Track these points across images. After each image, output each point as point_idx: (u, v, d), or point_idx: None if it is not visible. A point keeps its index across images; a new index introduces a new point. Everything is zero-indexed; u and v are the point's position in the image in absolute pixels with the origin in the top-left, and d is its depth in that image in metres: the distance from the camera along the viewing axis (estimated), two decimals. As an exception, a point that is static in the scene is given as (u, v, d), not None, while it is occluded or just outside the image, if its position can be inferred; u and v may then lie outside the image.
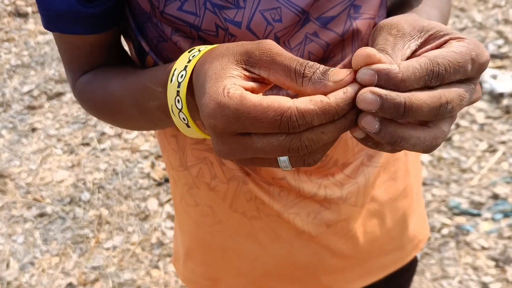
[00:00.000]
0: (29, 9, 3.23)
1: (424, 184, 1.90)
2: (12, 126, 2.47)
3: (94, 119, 2.41)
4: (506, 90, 2.15)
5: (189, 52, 0.45)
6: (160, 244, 1.85)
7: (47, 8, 0.55)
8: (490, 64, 2.32)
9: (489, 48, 2.39)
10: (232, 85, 0.37)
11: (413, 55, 0.39)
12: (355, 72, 0.36)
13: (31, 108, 2.56)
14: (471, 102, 0.40)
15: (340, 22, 0.57)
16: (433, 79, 0.36)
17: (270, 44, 0.39)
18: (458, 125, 2.09)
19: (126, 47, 0.69)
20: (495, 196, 1.81)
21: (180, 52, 0.57)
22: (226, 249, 0.76)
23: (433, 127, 0.38)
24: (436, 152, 2.00)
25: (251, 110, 0.35)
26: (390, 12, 0.66)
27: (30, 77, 2.76)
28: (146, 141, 2.27)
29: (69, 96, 2.59)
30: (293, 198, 0.69)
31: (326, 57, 0.59)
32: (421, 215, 0.84)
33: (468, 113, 2.13)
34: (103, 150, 2.26)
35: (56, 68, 2.78)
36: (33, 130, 2.43)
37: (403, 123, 0.37)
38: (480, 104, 2.15)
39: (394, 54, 0.38)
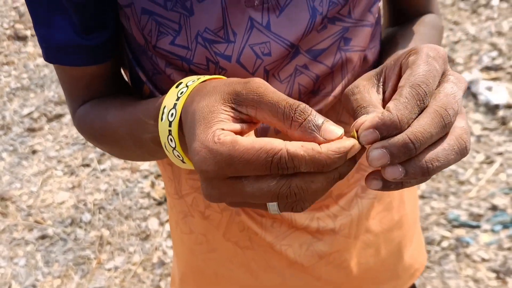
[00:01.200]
0: (28, 32, 3.27)
1: (422, 197, 1.91)
2: (13, 148, 2.48)
3: (94, 140, 2.43)
4: (501, 101, 2.17)
5: (176, 87, 0.45)
6: (162, 263, 1.85)
7: (48, 41, 0.57)
8: (485, 76, 2.34)
9: (483, 60, 2.42)
10: (221, 131, 0.37)
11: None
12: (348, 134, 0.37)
13: (31, 130, 2.57)
14: (463, 89, 0.40)
15: (330, 54, 0.58)
16: (425, 99, 0.37)
17: (257, 83, 0.39)
18: (455, 138, 2.11)
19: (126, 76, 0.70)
20: (494, 208, 1.82)
21: (173, 84, 0.59)
22: (219, 276, 0.76)
23: (449, 133, 0.38)
24: (433, 165, 2.02)
25: (244, 154, 0.35)
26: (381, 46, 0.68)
27: (30, 100, 2.78)
28: (145, 160, 2.29)
29: (69, 117, 2.61)
30: (285, 230, 0.70)
31: (316, 89, 0.60)
32: (417, 244, 0.84)
33: (464, 125, 2.15)
34: (103, 170, 2.28)
35: (56, 90, 2.81)
36: (34, 152, 2.44)
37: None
38: (476, 116, 2.17)
39: (373, 103, 0.39)
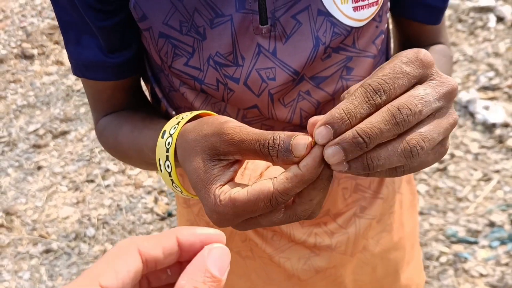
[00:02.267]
0: (34, 51, 3.33)
1: (421, 213, 1.94)
2: (18, 164, 2.52)
3: (98, 157, 2.47)
4: (498, 120, 2.22)
5: (162, 137, 0.50)
6: (164, 277, 1.87)
7: (77, 58, 0.63)
8: (482, 95, 2.39)
9: (480, 80, 2.47)
10: (220, 191, 0.42)
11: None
12: (312, 137, 0.39)
13: (36, 146, 2.62)
14: (447, 93, 0.40)
15: (332, 82, 0.61)
16: (374, 96, 0.38)
17: (230, 133, 0.42)
18: (453, 155, 2.14)
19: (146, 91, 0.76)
20: (492, 224, 1.85)
21: (187, 101, 0.64)
22: None
23: (401, 136, 0.38)
24: (432, 182, 2.05)
25: (245, 207, 0.40)
26: None
27: (36, 117, 2.83)
28: (149, 176, 2.32)
29: (74, 134, 2.66)
30: (285, 243, 0.72)
31: (318, 114, 0.63)
32: (416, 265, 0.86)
33: (462, 143, 2.19)
34: (107, 186, 2.31)
35: (61, 108, 2.86)
36: (39, 168, 2.48)
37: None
38: (474, 134, 2.21)
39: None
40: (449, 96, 0.40)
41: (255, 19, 0.56)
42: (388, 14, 0.66)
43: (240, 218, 0.42)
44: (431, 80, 0.40)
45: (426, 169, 2.10)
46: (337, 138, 0.38)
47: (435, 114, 0.39)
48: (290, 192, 0.39)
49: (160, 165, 0.49)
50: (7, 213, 2.23)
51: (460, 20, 2.93)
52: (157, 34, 0.58)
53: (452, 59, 0.72)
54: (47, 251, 2.05)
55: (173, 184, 0.49)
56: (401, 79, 0.38)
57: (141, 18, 0.58)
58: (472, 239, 1.81)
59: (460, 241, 1.82)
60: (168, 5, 0.56)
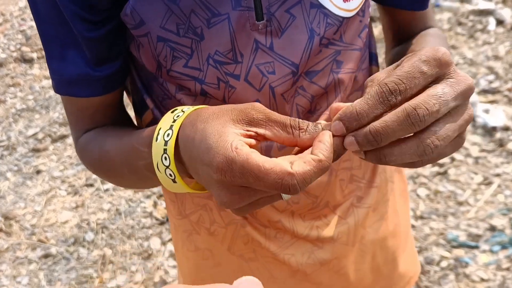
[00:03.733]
0: (34, 55, 3.33)
1: (421, 217, 1.94)
2: (17, 168, 2.52)
3: (97, 160, 2.47)
4: (498, 124, 2.21)
5: (172, 112, 0.49)
6: (163, 282, 1.87)
7: (60, 74, 0.61)
8: (482, 99, 2.39)
9: (480, 83, 2.47)
10: (238, 141, 0.41)
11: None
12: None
13: (35, 150, 2.61)
14: (464, 92, 0.41)
15: (324, 76, 0.63)
16: (390, 97, 0.40)
17: (261, 106, 0.44)
18: (453, 159, 2.14)
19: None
20: (492, 228, 1.84)
21: None
22: None
23: (417, 134, 0.41)
24: (432, 185, 2.04)
25: (255, 169, 0.39)
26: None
27: (35, 121, 2.82)
28: (148, 180, 2.31)
29: (73, 138, 2.66)
30: (288, 239, 0.73)
31: (313, 109, 0.64)
32: (410, 253, 0.88)
33: (463, 147, 2.18)
34: (106, 190, 2.30)
35: (60, 112, 2.85)
36: (38, 172, 2.48)
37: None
38: (474, 138, 2.20)
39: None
40: (466, 94, 0.41)
41: (251, 15, 0.57)
42: (371, 9, 0.68)
43: (243, 178, 0.40)
44: (448, 78, 0.41)
45: (426, 173, 2.10)
46: (355, 132, 0.41)
47: (451, 112, 0.41)
48: (308, 178, 0.39)
49: (158, 134, 0.48)
50: (6, 217, 2.23)
51: (459, 23, 2.93)
52: (156, 39, 0.58)
53: (446, 40, 0.74)
54: (46, 255, 2.04)
55: (163, 156, 0.47)
56: (418, 79, 0.40)
57: (138, 24, 0.57)
58: (473, 244, 1.80)
59: (461, 245, 1.81)
60: (164, 9, 0.56)
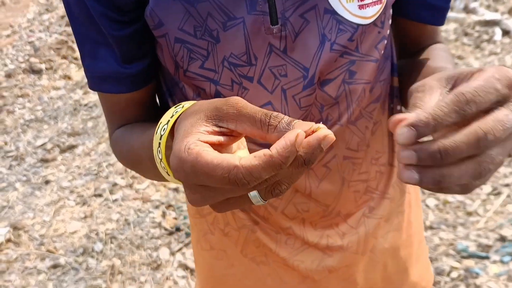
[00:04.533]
0: (42, 66, 3.36)
1: (431, 228, 1.93)
2: (26, 179, 2.53)
3: (106, 171, 2.47)
4: (506, 134, 2.21)
5: (175, 107, 0.49)
6: (172, 293, 1.86)
7: (92, 71, 0.65)
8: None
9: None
10: (193, 141, 0.40)
11: None
12: (314, 131, 0.38)
13: (44, 161, 2.62)
14: None
15: (335, 86, 0.63)
16: (466, 107, 0.39)
17: (236, 99, 0.42)
18: (461, 169, 2.14)
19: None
20: (502, 239, 1.83)
21: None
22: None
23: (475, 157, 0.39)
24: (441, 196, 2.04)
25: (204, 166, 0.38)
26: (403, 76, 0.72)
27: (44, 131, 2.84)
28: (157, 191, 2.32)
29: (81, 148, 2.67)
30: (298, 246, 0.73)
31: (325, 118, 0.65)
32: (423, 262, 0.87)
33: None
34: (115, 200, 2.31)
35: (69, 122, 2.87)
36: (47, 182, 2.49)
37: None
38: (482, 148, 2.20)
39: (425, 106, 0.42)
40: None
41: (266, 20, 0.58)
42: (390, 21, 0.68)
43: (196, 178, 0.39)
44: (510, 102, 0.40)
45: (435, 183, 2.09)
46: (418, 145, 0.39)
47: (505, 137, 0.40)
48: (256, 172, 0.37)
49: (158, 127, 0.48)
50: (15, 227, 2.23)
51: (466, 34, 2.94)
52: (173, 40, 0.60)
53: (451, 55, 0.75)
54: (55, 266, 2.04)
55: (158, 149, 0.48)
56: (492, 95, 0.39)
57: (157, 25, 0.59)
58: (483, 254, 1.79)
59: (471, 256, 1.80)
60: (182, 11, 0.58)
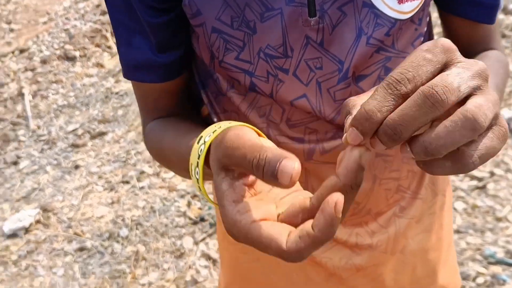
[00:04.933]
0: (76, 53, 3.42)
1: (458, 232, 1.90)
2: (57, 163, 2.58)
3: (134, 159, 2.51)
4: (541, 140, 2.15)
5: (198, 143, 0.48)
6: (194, 282, 1.88)
7: (127, 59, 0.65)
8: (525, 114, 2.33)
9: None
10: (236, 214, 0.39)
11: None
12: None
13: (75, 146, 2.68)
14: (479, 71, 0.36)
15: (370, 81, 0.63)
16: (398, 86, 0.35)
17: (228, 142, 0.40)
18: (492, 174, 2.09)
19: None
20: (532, 246, 1.79)
21: (234, 106, 0.66)
22: (262, 286, 0.80)
23: (454, 108, 0.35)
24: (470, 200, 2.00)
25: (257, 242, 0.39)
26: None
27: (75, 117, 2.90)
28: (183, 180, 2.34)
29: (111, 135, 2.71)
30: (327, 243, 0.73)
31: None
32: (452, 267, 0.86)
33: (503, 162, 2.14)
34: (141, 188, 2.34)
35: (100, 109, 2.92)
36: (76, 167, 2.54)
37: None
38: (515, 153, 2.15)
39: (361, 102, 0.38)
40: (483, 75, 0.37)
41: (304, 11, 0.58)
42: (428, 18, 0.67)
43: (246, 243, 0.40)
44: (457, 62, 0.37)
45: (464, 186, 2.06)
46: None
47: (476, 92, 0.36)
48: (304, 253, 0.37)
49: (191, 170, 0.49)
50: (45, 209, 2.29)
51: (503, 36, 2.87)
52: (210, 30, 0.60)
53: (508, 66, 0.70)
54: (81, 249, 2.08)
55: (201, 192, 0.49)
56: (425, 66, 0.36)
57: (195, 14, 0.59)
58: (511, 261, 1.75)
59: (498, 262, 1.76)
60: (220, 1, 0.58)
